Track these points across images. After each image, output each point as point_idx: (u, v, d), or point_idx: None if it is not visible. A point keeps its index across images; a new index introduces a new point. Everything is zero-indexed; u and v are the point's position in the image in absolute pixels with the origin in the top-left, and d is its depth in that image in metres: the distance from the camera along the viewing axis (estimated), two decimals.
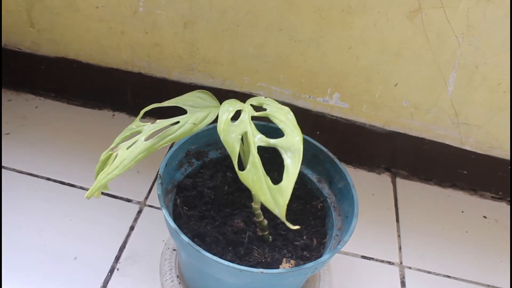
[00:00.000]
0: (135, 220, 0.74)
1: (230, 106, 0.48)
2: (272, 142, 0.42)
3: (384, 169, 0.91)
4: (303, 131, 0.45)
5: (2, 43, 0.87)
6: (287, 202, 0.39)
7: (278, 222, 0.63)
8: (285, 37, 0.76)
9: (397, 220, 0.82)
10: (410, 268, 0.75)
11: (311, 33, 0.75)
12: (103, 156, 0.50)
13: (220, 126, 0.45)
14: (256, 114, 0.46)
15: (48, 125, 0.86)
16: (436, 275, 0.74)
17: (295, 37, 0.76)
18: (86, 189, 0.77)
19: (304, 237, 0.62)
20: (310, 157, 0.67)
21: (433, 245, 0.78)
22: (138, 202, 0.77)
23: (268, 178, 0.41)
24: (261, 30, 0.76)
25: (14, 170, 0.78)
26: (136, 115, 0.92)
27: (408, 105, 0.80)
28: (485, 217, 0.85)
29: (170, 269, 0.67)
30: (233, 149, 0.43)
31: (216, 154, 0.68)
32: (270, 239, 0.61)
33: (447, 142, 0.83)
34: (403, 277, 0.73)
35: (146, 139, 0.48)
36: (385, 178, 0.89)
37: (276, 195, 0.39)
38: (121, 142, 0.50)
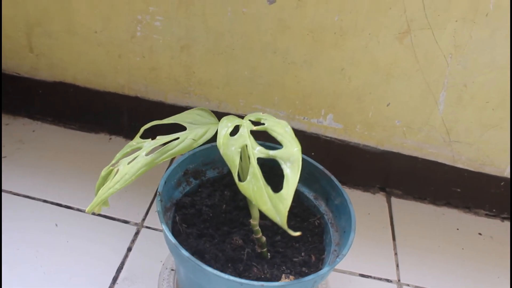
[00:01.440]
0: (133, 241, 0.74)
1: (228, 122, 0.49)
2: (272, 153, 0.43)
3: (379, 189, 0.92)
4: None
5: (2, 68, 0.89)
6: (287, 209, 0.40)
7: (276, 239, 0.64)
8: (279, 59, 0.78)
9: (394, 239, 0.82)
10: (408, 285, 0.75)
11: (304, 55, 0.77)
12: (103, 172, 0.50)
13: (220, 141, 0.47)
14: (254, 128, 0.47)
15: (45, 149, 0.87)
16: None
17: (289, 59, 0.78)
18: (83, 211, 0.77)
19: (303, 253, 0.63)
20: (306, 175, 0.68)
21: (430, 262, 0.79)
22: (136, 224, 0.77)
23: (269, 188, 0.42)
24: (256, 53, 0.78)
25: (10, 192, 0.78)
26: (132, 138, 0.93)
27: (401, 124, 0.82)
28: (480, 234, 0.86)
29: None
30: (233, 161, 0.44)
31: (214, 173, 0.69)
32: (269, 256, 0.61)
33: (440, 160, 0.85)
34: None
35: (146, 154, 0.49)
36: (380, 197, 0.90)
37: (277, 203, 0.40)
38: (122, 158, 0.50)
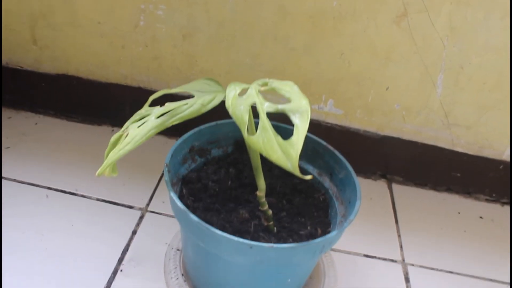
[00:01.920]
0: (137, 225, 0.74)
1: (236, 86, 0.50)
2: (280, 107, 0.44)
3: (380, 176, 0.93)
4: None
5: (5, 62, 0.90)
6: (298, 154, 0.41)
7: (281, 215, 0.64)
8: (280, 46, 0.80)
9: (396, 222, 0.83)
10: (412, 265, 0.75)
11: (304, 41, 0.79)
12: (113, 138, 0.51)
13: (229, 102, 0.47)
14: (262, 88, 0.48)
15: (47, 140, 0.87)
16: (439, 271, 0.75)
17: (290, 46, 0.80)
18: (88, 197, 0.77)
19: (309, 227, 0.63)
20: (309, 152, 0.69)
21: (434, 244, 0.79)
22: (140, 208, 0.77)
23: (279, 137, 0.43)
24: (257, 40, 0.80)
25: (14, 180, 0.78)
26: None
27: (400, 108, 0.83)
28: (481, 217, 0.87)
29: (175, 268, 0.66)
30: (242, 119, 0.45)
31: (219, 152, 0.70)
32: (275, 230, 0.61)
33: (439, 145, 0.86)
34: (407, 273, 0.74)
35: (156, 118, 0.50)
36: (381, 184, 0.91)
37: (287, 149, 0.41)
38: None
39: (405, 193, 0.90)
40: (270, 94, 0.51)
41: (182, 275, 0.65)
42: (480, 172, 0.88)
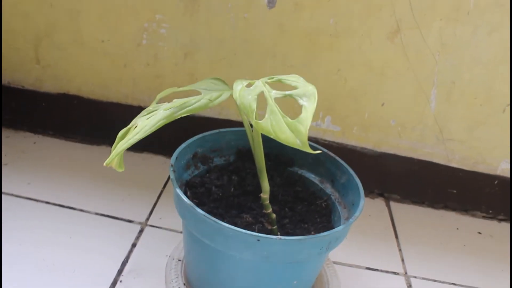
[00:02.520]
0: (137, 238, 0.73)
1: (243, 81, 0.51)
2: (288, 92, 0.46)
3: (377, 194, 0.93)
4: None
5: (7, 82, 0.91)
6: (307, 129, 0.41)
7: (284, 222, 0.64)
8: (279, 63, 0.83)
9: (396, 237, 0.83)
10: (415, 277, 0.74)
11: (302, 58, 0.82)
12: (121, 132, 0.52)
13: (236, 93, 0.49)
14: (268, 80, 0.50)
15: (46, 158, 0.87)
16: (442, 283, 0.74)
17: (288, 63, 0.82)
18: (86, 211, 0.77)
19: (312, 232, 0.63)
20: (311, 160, 0.70)
21: (435, 257, 0.79)
22: (140, 223, 0.76)
23: (287, 117, 0.44)
24: (256, 57, 0.83)
25: (12, 195, 0.77)
26: (134, 150, 0.94)
27: (396, 124, 0.85)
28: (479, 233, 0.87)
29: (177, 277, 0.65)
30: (250, 107, 0.46)
31: (221, 161, 0.70)
32: (279, 234, 0.61)
33: (434, 161, 0.88)
34: (410, 285, 0.73)
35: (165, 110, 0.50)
36: (379, 202, 0.92)
37: (296, 126, 0.42)
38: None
39: (403, 210, 0.90)
40: (276, 89, 0.52)
41: (184, 284, 0.64)
42: (475, 188, 0.89)
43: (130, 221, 0.76)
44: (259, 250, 0.51)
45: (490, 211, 0.91)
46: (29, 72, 0.89)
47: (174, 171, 0.58)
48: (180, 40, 0.83)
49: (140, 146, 0.94)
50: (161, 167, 0.91)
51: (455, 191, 0.90)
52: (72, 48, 0.86)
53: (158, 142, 0.92)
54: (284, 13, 0.78)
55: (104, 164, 0.48)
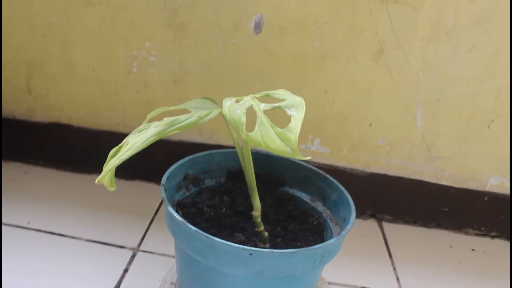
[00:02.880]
0: (129, 263, 0.72)
1: (232, 98, 0.53)
2: (276, 104, 0.47)
3: (369, 216, 0.93)
4: None
5: None
6: (297, 137, 0.42)
7: (277, 241, 0.64)
8: (267, 86, 0.84)
9: (390, 256, 0.83)
10: None
11: (289, 81, 0.84)
12: (112, 151, 0.52)
13: (226, 109, 0.50)
14: (257, 95, 0.51)
15: (36, 187, 0.87)
16: None
17: (276, 86, 0.84)
18: (78, 238, 0.76)
19: None
20: (301, 179, 0.71)
21: (429, 275, 0.79)
22: (132, 248, 0.75)
23: (276, 127, 0.45)
24: (244, 81, 0.84)
25: (2, 223, 0.76)
26: (125, 177, 0.94)
27: (384, 144, 0.87)
28: (473, 250, 0.87)
29: None
30: (240, 120, 0.47)
31: (212, 183, 0.70)
32: None
33: (424, 179, 0.89)
34: None
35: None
36: (371, 223, 0.92)
37: (285, 135, 0.42)
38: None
39: (395, 230, 0.90)
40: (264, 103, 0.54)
41: None
42: (466, 205, 0.90)
43: (122, 246, 0.75)
44: (252, 265, 0.51)
45: (482, 228, 0.91)
46: (21, 102, 0.90)
47: (165, 190, 0.58)
48: (169, 66, 0.85)
49: (132, 174, 0.94)
50: (153, 194, 0.91)
51: (446, 209, 0.91)
52: (63, 78, 0.87)
53: (149, 170, 0.92)
54: (270, 38, 0.81)
55: (96, 181, 0.49)
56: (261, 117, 0.46)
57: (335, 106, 0.85)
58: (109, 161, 0.51)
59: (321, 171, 0.68)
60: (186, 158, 0.66)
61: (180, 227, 0.53)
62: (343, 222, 0.62)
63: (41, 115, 0.91)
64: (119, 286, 0.67)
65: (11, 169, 0.91)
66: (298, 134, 0.43)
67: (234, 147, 0.70)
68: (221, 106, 0.56)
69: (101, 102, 0.89)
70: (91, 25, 0.83)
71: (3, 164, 0.93)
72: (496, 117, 0.82)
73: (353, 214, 0.59)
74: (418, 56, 0.80)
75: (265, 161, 0.71)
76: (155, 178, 0.94)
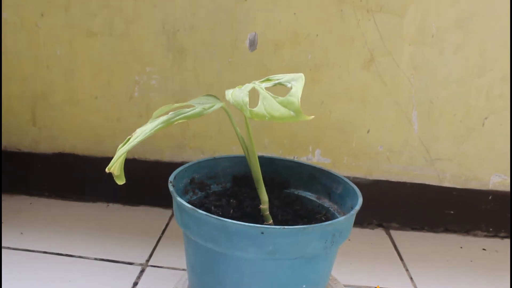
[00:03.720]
0: (138, 277, 0.71)
1: (235, 87, 0.55)
2: (277, 81, 0.49)
3: (376, 225, 0.93)
4: None
5: (3, 146, 0.93)
6: (299, 99, 0.44)
7: None
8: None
9: (401, 259, 0.82)
10: None
11: (286, 94, 0.86)
12: (121, 144, 0.54)
13: (229, 95, 0.52)
14: (258, 81, 0.53)
15: (42, 216, 0.87)
16: None
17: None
18: (85, 258, 0.75)
19: None
20: (306, 179, 0.72)
21: (442, 273, 0.78)
22: (140, 264, 0.75)
23: (278, 97, 0.46)
24: None
25: (9, 248, 0.76)
26: (130, 203, 0.94)
27: (383, 150, 0.88)
28: (484, 249, 0.86)
29: None
30: (242, 100, 0.49)
31: (218, 188, 0.71)
32: None
33: (426, 182, 0.89)
34: None
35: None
36: (379, 231, 0.91)
37: (288, 100, 0.44)
38: None
39: (404, 236, 0.90)
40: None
41: None
42: (472, 206, 0.90)
43: (130, 263, 0.75)
44: (264, 245, 0.51)
45: (491, 229, 0.91)
46: (26, 134, 0.92)
47: (173, 185, 0.59)
48: (170, 89, 0.88)
49: (137, 201, 0.95)
50: (159, 216, 0.91)
51: (452, 212, 0.91)
52: (67, 107, 0.90)
53: (154, 196, 0.93)
54: (265, 54, 0.85)
55: (106, 169, 0.50)
56: (263, 93, 0.48)
57: (332, 115, 0.87)
58: (119, 149, 0.53)
59: (324, 168, 0.70)
60: (192, 162, 0.68)
61: (190, 215, 0.53)
62: (350, 210, 0.62)
63: (45, 146, 0.93)
64: None
65: (16, 201, 0.92)
66: (299, 97, 0.44)
67: (240, 156, 0.72)
68: (223, 101, 0.58)
69: (104, 129, 0.91)
70: (94, 54, 0.87)
71: (8, 198, 0.93)
72: (489, 114, 0.85)
73: (360, 199, 0.59)
74: (407, 61, 0.83)
75: (268, 165, 0.73)
76: (159, 203, 0.95)
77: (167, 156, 0.92)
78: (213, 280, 0.57)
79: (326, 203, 0.69)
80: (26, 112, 0.91)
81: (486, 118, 0.85)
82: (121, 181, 0.53)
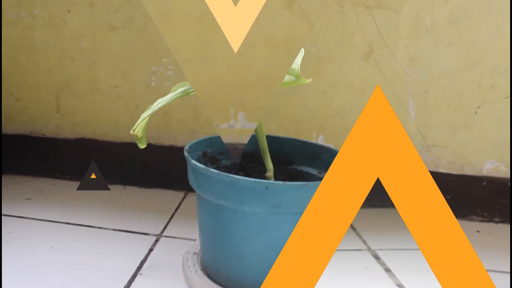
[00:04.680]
0: (153, 245, 0.77)
1: None
2: None
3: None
4: None
5: (29, 131, 1.01)
6: (299, 65, 0.51)
7: None
8: None
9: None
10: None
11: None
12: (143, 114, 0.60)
13: None
14: None
15: (64, 194, 0.94)
16: None
17: (280, 89, 0.94)
18: (105, 228, 0.81)
19: None
20: (309, 156, 0.78)
21: None
22: (155, 235, 0.81)
23: None
24: None
25: (34, 219, 0.82)
26: (145, 186, 1.01)
27: None
28: (478, 231, 0.91)
29: (193, 264, 0.69)
30: None
31: (228, 163, 0.78)
32: None
33: None
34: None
35: None
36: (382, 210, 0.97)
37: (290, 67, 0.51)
38: None
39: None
40: None
41: (201, 270, 0.68)
42: (467, 191, 0.95)
43: (146, 233, 0.81)
44: (268, 199, 0.57)
45: (486, 214, 0.96)
46: (50, 120, 1.00)
47: (188, 152, 0.66)
48: (184, 78, 0.95)
49: (150, 184, 1.01)
50: (173, 197, 0.97)
51: (448, 197, 0.96)
52: (89, 95, 0.98)
53: (167, 180, 1.00)
54: None
55: (131, 131, 0.56)
56: None
57: (334, 104, 0.94)
58: (143, 115, 0.59)
59: (325, 145, 0.76)
60: (204, 137, 0.74)
61: (203, 175, 0.60)
62: None
63: (68, 132, 1.00)
64: (145, 261, 0.72)
65: (40, 183, 0.99)
66: (299, 65, 0.51)
67: None
68: None
69: (123, 116, 0.98)
70: (114, 46, 0.95)
71: (33, 179, 1.00)
72: (481, 104, 0.91)
73: None
74: (403, 53, 0.90)
75: (274, 144, 0.79)
76: (173, 186, 1.01)
77: (180, 141, 0.99)
78: (223, 235, 0.63)
79: None
80: (51, 100, 0.99)
81: (478, 107, 0.91)
82: (142, 144, 0.60)
